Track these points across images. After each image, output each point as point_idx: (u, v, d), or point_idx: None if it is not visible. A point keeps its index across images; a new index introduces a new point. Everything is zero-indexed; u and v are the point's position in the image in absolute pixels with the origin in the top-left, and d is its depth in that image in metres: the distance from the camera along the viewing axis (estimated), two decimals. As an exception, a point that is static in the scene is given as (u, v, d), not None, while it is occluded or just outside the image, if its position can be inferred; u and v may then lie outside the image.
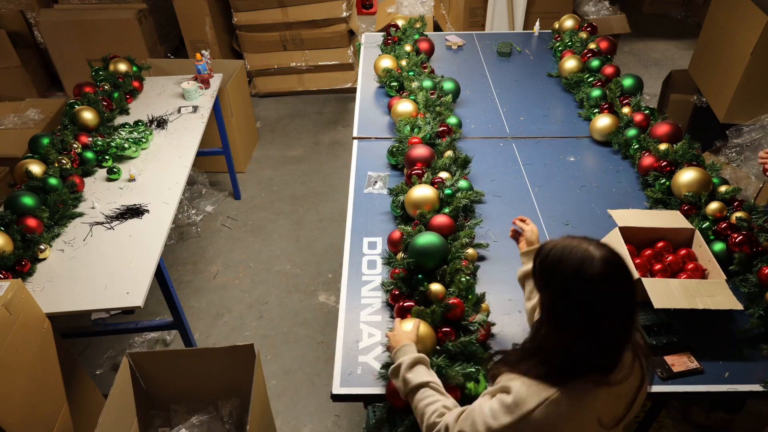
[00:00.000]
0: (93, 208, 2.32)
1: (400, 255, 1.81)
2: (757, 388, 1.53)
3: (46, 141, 2.42)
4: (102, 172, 2.51)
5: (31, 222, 2.08)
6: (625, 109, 2.45)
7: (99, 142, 2.53)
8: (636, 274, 1.67)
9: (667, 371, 1.55)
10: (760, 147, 2.98)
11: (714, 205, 1.91)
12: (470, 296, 1.64)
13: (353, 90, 4.76)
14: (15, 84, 4.43)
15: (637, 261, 1.78)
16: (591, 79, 2.71)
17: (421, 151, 2.15)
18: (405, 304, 1.62)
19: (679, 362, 1.57)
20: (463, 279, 1.66)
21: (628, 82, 2.57)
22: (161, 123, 2.85)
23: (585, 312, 1.04)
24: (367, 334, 1.68)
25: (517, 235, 1.62)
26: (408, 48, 2.92)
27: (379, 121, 2.62)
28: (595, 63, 2.77)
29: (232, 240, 3.54)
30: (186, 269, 3.35)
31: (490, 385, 1.22)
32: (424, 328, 1.50)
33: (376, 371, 1.57)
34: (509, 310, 1.74)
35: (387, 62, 2.79)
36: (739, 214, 1.88)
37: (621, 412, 1.13)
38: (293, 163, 4.19)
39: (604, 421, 1.10)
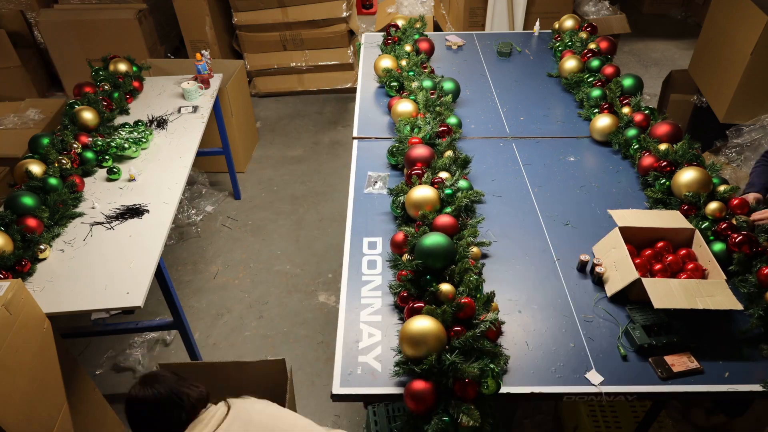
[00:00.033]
0: (93, 208, 2.32)
1: (406, 257, 1.81)
2: (757, 388, 1.53)
3: (46, 141, 2.42)
4: (102, 172, 2.51)
5: (31, 222, 2.08)
6: (625, 109, 2.45)
7: (99, 142, 2.53)
8: (636, 274, 1.67)
9: (667, 371, 1.55)
10: (760, 147, 2.98)
11: (713, 205, 1.91)
12: (479, 295, 1.65)
13: (353, 90, 4.76)
14: (15, 84, 4.43)
15: (637, 261, 1.78)
16: (591, 79, 2.71)
17: (421, 151, 2.15)
18: (415, 306, 1.62)
19: (679, 362, 1.57)
20: (473, 278, 1.66)
21: (628, 82, 2.57)
22: (161, 123, 2.85)
23: None
24: (367, 334, 1.68)
25: None
26: (408, 48, 2.92)
27: (379, 121, 2.62)
28: (595, 63, 2.77)
29: (232, 240, 3.54)
30: (186, 269, 3.35)
31: None
32: (432, 323, 1.51)
33: (377, 371, 1.57)
34: (509, 310, 1.74)
35: (387, 62, 2.79)
36: (740, 215, 1.88)
37: None
38: (293, 163, 4.19)
39: None
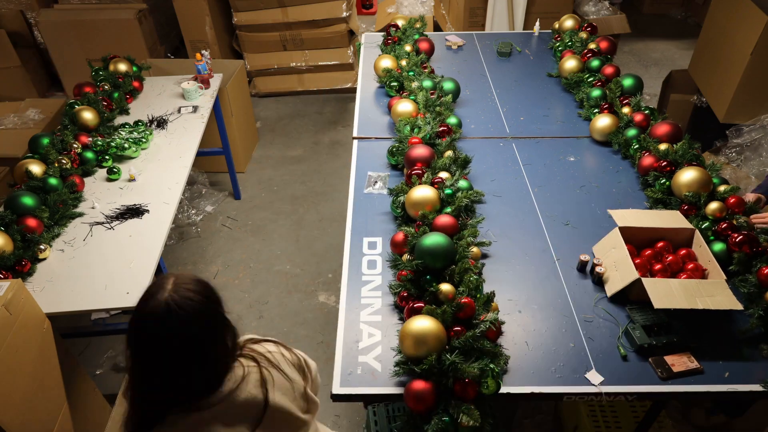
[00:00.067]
0: (93, 208, 2.32)
1: (406, 257, 1.81)
2: (757, 388, 1.53)
3: (46, 141, 2.42)
4: (102, 172, 2.51)
5: (31, 222, 2.08)
6: (625, 109, 2.45)
7: (99, 142, 2.53)
8: (636, 274, 1.67)
9: (667, 371, 1.55)
10: (760, 147, 2.98)
11: (714, 205, 1.91)
12: (479, 295, 1.65)
13: (353, 90, 4.76)
14: (15, 84, 4.43)
15: (637, 261, 1.78)
16: (591, 79, 2.71)
17: (421, 151, 2.15)
18: (415, 306, 1.62)
19: (679, 362, 1.57)
20: (473, 278, 1.66)
21: (628, 82, 2.57)
22: (161, 123, 2.85)
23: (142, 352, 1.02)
24: (367, 334, 1.68)
25: None
26: (408, 48, 2.92)
27: (379, 121, 2.62)
28: (595, 63, 2.77)
29: (232, 240, 3.54)
30: (186, 269, 3.35)
31: None
32: (432, 323, 1.51)
33: (377, 371, 1.57)
34: (509, 310, 1.74)
35: (387, 62, 2.79)
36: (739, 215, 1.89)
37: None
38: (293, 163, 4.19)
39: None
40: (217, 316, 1.07)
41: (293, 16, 4.58)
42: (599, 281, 1.82)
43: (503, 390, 1.50)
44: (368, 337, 1.67)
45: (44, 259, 2.07)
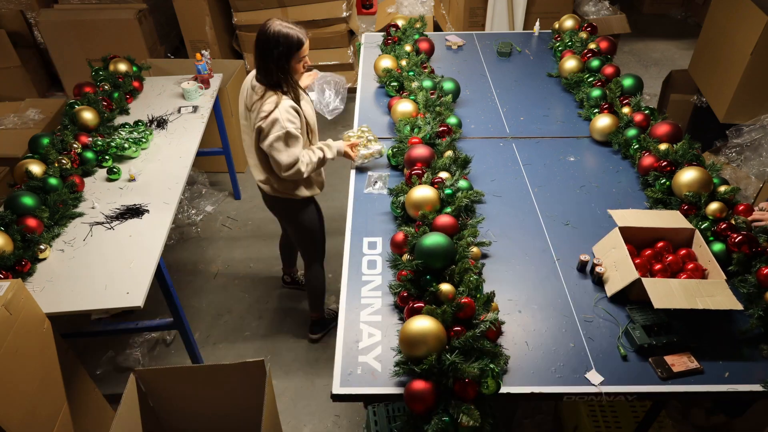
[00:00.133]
0: (93, 208, 2.32)
1: (406, 257, 1.81)
2: (757, 388, 1.53)
3: (46, 141, 2.42)
4: (102, 172, 2.51)
5: (31, 222, 2.08)
6: (625, 109, 2.45)
7: (99, 142, 2.53)
8: (636, 274, 1.67)
9: (667, 371, 1.55)
10: (760, 147, 2.98)
11: (714, 206, 1.91)
12: (479, 295, 1.65)
13: (353, 90, 4.75)
14: (15, 84, 4.43)
15: (637, 261, 1.78)
16: (591, 79, 2.71)
17: (421, 151, 2.15)
18: (415, 306, 1.62)
19: (679, 362, 1.57)
20: (473, 278, 1.66)
21: (628, 82, 2.57)
22: (161, 123, 2.85)
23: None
24: (367, 334, 1.68)
25: None
26: (408, 48, 2.92)
27: (379, 121, 2.62)
28: (595, 63, 2.77)
29: (232, 240, 3.54)
30: (186, 269, 3.35)
31: None
32: (432, 323, 1.51)
33: (377, 371, 1.57)
34: (509, 310, 1.74)
35: (387, 62, 2.79)
36: (739, 215, 1.89)
37: None
38: (293, 163, 4.19)
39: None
40: (271, 51, 2.03)
41: (293, 16, 4.58)
42: (599, 281, 1.82)
43: (503, 390, 1.50)
44: (368, 337, 1.67)
45: (44, 259, 2.07)
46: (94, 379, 2.28)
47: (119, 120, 2.85)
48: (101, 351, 2.86)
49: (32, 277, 2.01)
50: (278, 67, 2.06)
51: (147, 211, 2.30)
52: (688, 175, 2.00)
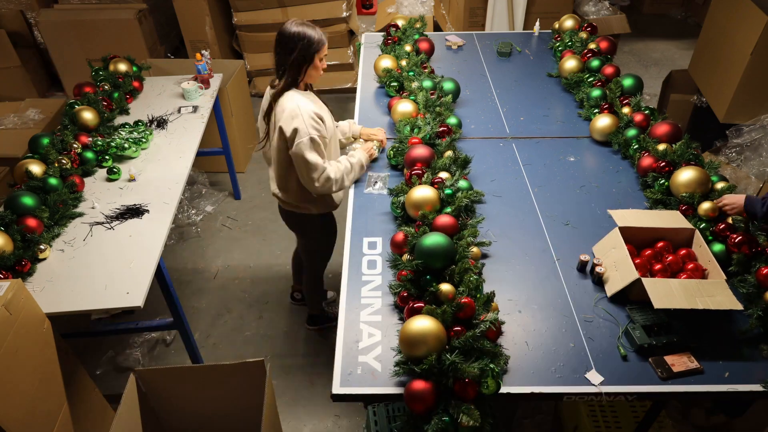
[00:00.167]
0: (93, 208, 2.32)
1: (406, 257, 1.81)
2: (757, 388, 1.53)
3: (46, 141, 2.42)
4: (102, 172, 2.51)
5: (31, 222, 2.08)
6: (625, 109, 2.45)
7: (99, 142, 2.53)
8: (636, 274, 1.67)
9: (667, 371, 1.55)
10: (760, 147, 2.98)
11: (706, 205, 1.91)
12: (479, 295, 1.65)
13: (353, 90, 4.76)
14: (15, 84, 4.43)
15: (638, 261, 1.78)
16: (591, 79, 2.71)
17: (421, 151, 2.15)
18: (415, 305, 1.62)
19: (679, 362, 1.57)
20: (473, 278, 1.66)
21: (628, 82, 2.57)
22: (161, 123, 2.85)
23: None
24: (367, 334, 1.68)
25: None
26: (408, 48, 2.92)
27: (379, 121, 2.62)
28: (595, 63, 2.77)
29: (232, 240, 3.54)
30: (186, 269, 3.35)
31: None
32: (432, 323, 1.51)
33: (377, 371, 1.57)
34: (509, 310, 1.74)
35: (387, 62, 2.79)
36: (736, 215, 1.89)
37: None
38: (293, 163, 4.19)
39: None
40: (291, 46, 2.04)
41: (293, 16, 4.58)
42: (599, 281, 1.82)
43: (503, 390, 1.50)
44: (368, 337, 1.67)
45: (44, 259, 2.07)
46: (94, 379, 2.28)
47: (119, 120, 2.85)
48: (101, 351, 2.86)
49: (32, 277, 2.01)
50: (296, 65, 2.06)
51: (147, 211, 2.30)
52: (685, 175, 2.00)
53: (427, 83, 2.60)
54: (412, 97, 2.50)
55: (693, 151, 2.16)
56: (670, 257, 1.81)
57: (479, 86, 2.90)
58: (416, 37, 3.07)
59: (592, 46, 2.88)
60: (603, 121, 2.42)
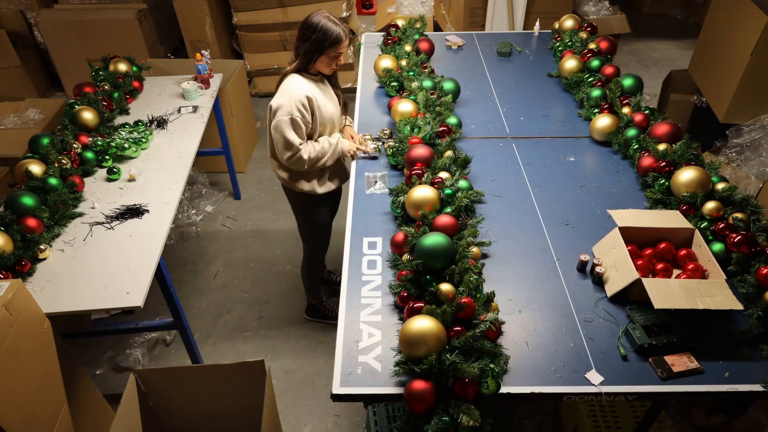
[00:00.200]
0: (93, 208, 2.32)
1: (406, 257, 1.81)
2: (757, 388, 1.53)
3: (46, 141, 2.42)
4: (102, 172, 2.51)
5: (31, 222, 2.08)
6: (625, 109, 2.45)
7: (99, 142, 2.53)
8: (636, 274, 1.67)
9: (667, 371, 1.55)
10: (760, 147, 2.98)
11: (710, 205, 1.91)
12: (479, 295, 1.65)
13: (353, 90, 4.76)
14: (15, 84, 4.43)
15: (639, 261, 1.78)
16: (591, 79, 2.71)
17: (421, 151, 2.15)
18: (415, 306, 1.62)
19: (679, 362, 1.57)
20: (473, 278, 1.66)
21: (628, 82, 2.57)
22: (161, 123, 2.85)
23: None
24: (367, 334, 1.68)
25: None
26: (408, 48, 2.92)
27: (379, 121, 2.62)
28: (595, 63, 2.77)
29: (232, 240, 3.54)
30: (186, 269, 3.35)
31: None
32: (432, 323, 1.51)
33: (377, 371, 1.57)
34: (509, 310, 1.74)
35: (387, 62, 2.79)
36: (737, 214, 1.88)
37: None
38: (293, 163, 4.19)
39: None
40: (308, 34, 2.15)
41: (293, 16, 4.58)
42: (599, 281, 1.82)
43: (503, 390, 1.50)
44: (368, 337, 1.67)
45: (44, 259, 2.07)
46: (94, 379, 2.28)
47: (119, 120, 2.85)
48: (101, 351, 2.86)
49: (32, 277, 2.01)
50: (308, 53, 2.18)
51: (147, 211, 2.30)
52: (686, 175, 1.99)
53: (427, 83, 2.60)
54: (412, 97, 2.50)
55: (693, 151, 2.16)
56: (670, 257, 1.81)
57: (479, 86, 2.90)
58: (416, 37, 3.07)
59: (592, 46, 2.88)
60: (603, 121, 2.42)
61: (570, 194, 2.19)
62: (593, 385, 1.53)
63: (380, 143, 2.41)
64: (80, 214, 2.28)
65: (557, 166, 2.34)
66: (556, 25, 3.25)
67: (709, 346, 1.63)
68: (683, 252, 1.83)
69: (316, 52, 2.17)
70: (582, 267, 1.87)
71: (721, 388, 1.53)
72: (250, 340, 2.93)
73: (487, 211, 2.10)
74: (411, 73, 2.70)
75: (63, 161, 2.36)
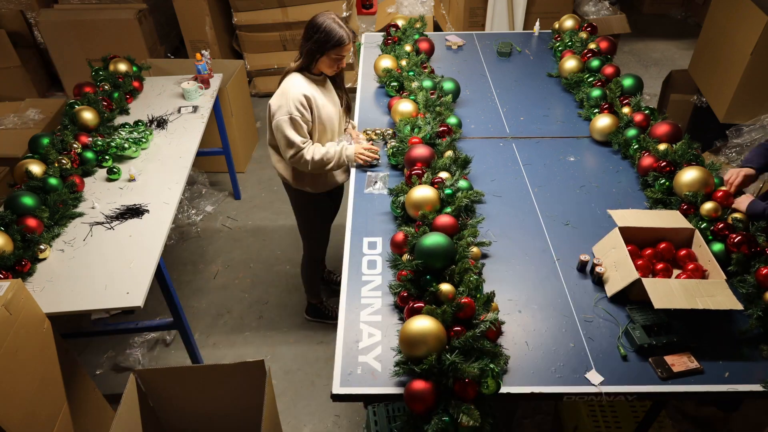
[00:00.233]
0: (93, 208, 2.32)
1: (406, 257, 1.81)
2: (757, 388, 1.53)
3: (46, 141, 2.42)
4: (102, 172, 2.51)
5: (31, 222, 2.08)
6: (625, 109, 2.45)
7: (99, 142, 2.53)
8: (636, 275, 1.67)
9: (667, 371, 1.55)
10: (760, 147, 2.98)
11: (709, 205, 1.91)
12: (479, 295, 1.65)
13: (353, 90, 4.75)
14: (15, 84, 4.43)
15: (638, 261, 1.78)
16: (591, 79, 2.71)
17: (421, 151, 2.15)
18: (415, 306, 1.62)
19: (679, 362, 1.57)
20: (473, 278, 1.66)
21: (628, 82, 2.57)
22: (161, 123, 2.85)
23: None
24: (367, 334, 1.68)
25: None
26: (408, 48, 2.92)
27: (379, 121, 2.62)
28: (595, 63, 2.77)
29: (232, 240, 3.54)
30: (186, 269, 3.35)
31: None
32: (432, 323, 1.51)
33: (377, 371, 1.57)
34: (509, 310, 1.74)
35: (387, 62, 2.79)
36: (736, 215, 1.88)
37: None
38: (293, 163, 4.19)
39: None
40: (312, 34, 2.16)
41: (293, 16, 4.58)
42: (599, 281, 1.82)
43: (503, 390, 1.50)
44: (368, 337, 1.67)
45: (44, 259, 2.07)
46: (94, 379, 2.28)
47: (119, 120, 2.85)
48: (101, 351, 2.86)
49: (32, 277, 2.01)
50: (310, 52, 2.19)
51: (147, 211, 2.30)
52: (689, 175, 1.99)
53: (427, 83, 2.60)
54: (412, 97, 2.50)
55: (694, 151, 2.16)
56: (670, 257, 1.81)
57: (479, 86, 2.90)
58: (416, 37, 3.07)
59: (592, 46, 2.88)
60: (603, 121, 2.42)
61: (570, 194, 2.19)
62: (593, 385, 1.53)
63: (383, 139, 2.43)
64: (80, 214, 2.28)
65: (557, 166, 2.34)
66: (556, 25, 3.25)
67: (709, 346, 1.63)
68: (683, 252, 1.83)
69: (318, 52, 2.17)
70: (582, 267, 1.87)
71: (721, 388, 1.53)
72: (250, 340, 2.93)
73: (487, 211, 2.11)
74: (411, 73, 2.70)
75: (63, 161, 2.36)
